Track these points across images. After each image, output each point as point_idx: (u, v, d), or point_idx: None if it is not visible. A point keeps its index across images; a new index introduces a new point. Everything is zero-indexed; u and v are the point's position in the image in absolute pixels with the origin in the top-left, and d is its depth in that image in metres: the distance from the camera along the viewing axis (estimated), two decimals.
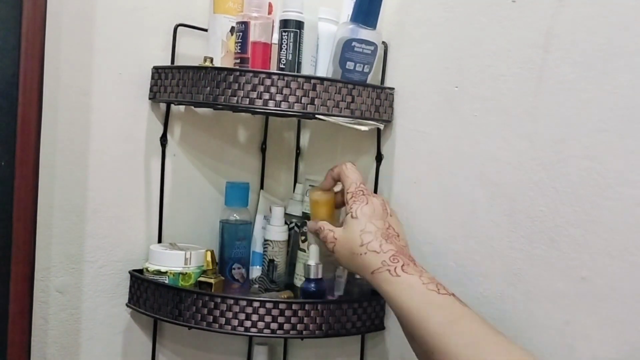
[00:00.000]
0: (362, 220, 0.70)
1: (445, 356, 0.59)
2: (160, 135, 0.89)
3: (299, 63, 0.80)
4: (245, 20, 0.79)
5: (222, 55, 0.83)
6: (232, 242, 0.90)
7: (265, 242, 0.90)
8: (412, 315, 0.63)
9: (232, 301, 0.76)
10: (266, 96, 0.74)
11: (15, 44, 0.66)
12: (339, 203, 0.79)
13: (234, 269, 0.90)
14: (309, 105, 0.75)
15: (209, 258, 0.84)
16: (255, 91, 0.74)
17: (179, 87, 0.78)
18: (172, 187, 0.91)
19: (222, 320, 0.77)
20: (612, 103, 0.62)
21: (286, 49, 0.79)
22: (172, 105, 0.89)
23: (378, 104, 0.82)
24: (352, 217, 0.71)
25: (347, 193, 0.73)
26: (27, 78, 0.67)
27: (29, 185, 0.68)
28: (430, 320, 0.61)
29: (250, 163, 1.01)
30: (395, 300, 0.65)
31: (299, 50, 0.79)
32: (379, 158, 0.88)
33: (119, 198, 0.86)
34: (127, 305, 0.87)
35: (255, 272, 0.93)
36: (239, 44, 0.79)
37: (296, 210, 0.94)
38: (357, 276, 0.88)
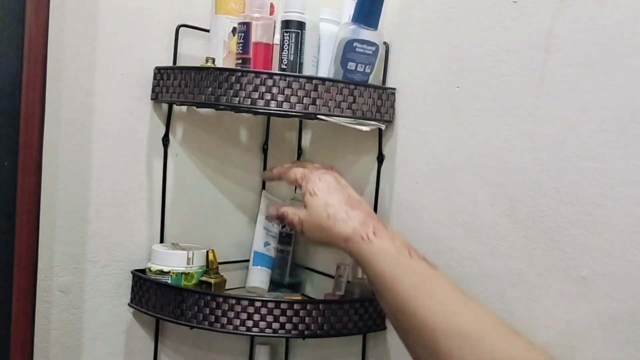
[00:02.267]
0: (322, 195, 0.71)
1: (414, 317, 0.61)
2: (162, 135, 0.89)
3: (301, 63, 0.80)
4: (247, 20, 0.79)
5: (224, 55, 0.83)
6: None
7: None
8: (385, 279, 0.64)
9: (234, 301, 0.77)
10: (268, 96, 0.74)
11: (18, 44, 0.66)
12: None
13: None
14: (310, 106, 0.75)
15: (211, 258, 0.84)
16: (257, 91, 0.74)
17: (181, 88, 0.79)
18: (174, 187, 0.91)
19: (224, 320, 0.77)
20: (613, 103, 0.62)
21: (288, 50, 0.79)
22: (174, 106, 0.90)
23: (379, 104, 0.82)
24: (310, 195, 0.72)
25: (296, 180, 0.74)
26: (30, 78, 0.67)
27: (31, 185, 0.69)
28: (402, 283, 0.63)
29: (252, 163, 1.01)
30: (370, 265, 0.66)
31: (300, 50, 0.80)
32: (380, 158, 0.88)
33: (121, 198, 0.86)
34: (129, 304, 0.87)
35: (256, 272, 0.93)
36: (241, 45, 0.80)
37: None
38: (360, 276, 0.88)
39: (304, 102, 0.75)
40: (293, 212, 0.73)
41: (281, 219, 0.76)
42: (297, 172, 0.75)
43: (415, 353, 0.62)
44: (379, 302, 0.67)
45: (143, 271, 0.86)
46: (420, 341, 0.61)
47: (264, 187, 1.02)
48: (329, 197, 0.71)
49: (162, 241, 0.90)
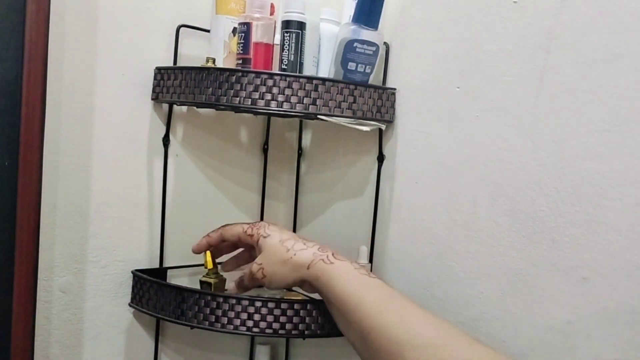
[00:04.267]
0: (275, 234, 0.75)
1: (379, 334, 0.63)
2: (162, 135, 0.89)
3: (301, 64, 0.80)
4: (247, 21, 0.79)
5: (224, 55, 0.83)
6: None
7: None
8: (349, 298, 0.67)
9: (234, 300, 0.77)
10: (268, 97, 0.74)
11: (19, 45, 0.66)
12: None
13: None
14: (310, 106, 0.75)
15: (208, 258, 0.84)
16: (257, 92, 0.74)
17: (181, 88, 0.79)
18: (175, 187, 0.91)
19: (225, 320, 0.77)
20: (613, 103, 0.62)
21: (288, 50, 0.79)
22: (175, 106, 0.90)
23: (380, 104, 0.82)
24: (263, 237, 0.76)
25: (244, 232, 0.78)
26: (31, 78, 0.67)
27: (32, 185, 0.69)
28: (366, 300, 0.65)
29: (252, 163, 1.01)
30: (333, 287, 0.68)
31: (300, 51, 0.80)
32: (380, 158, 0.88)
33: (121, 198, 0.86)
34: (129, 304, 0.87)
35: None
36: (241, 45, 0.80)
37: None
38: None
39: (304, 102, 0.75)
40: (252, 267, 0.76)
41: (247, 285, 0.79)
42: (240, 226, 0.79)
43: None
44: (342, 330, 0.70)
45: (143, 271, 0.86)
46: (388, 358, 0.63)
47: (264, 187, 1.02)
48: (282, 235, 0.75)
49: (162, 241, 0.90)
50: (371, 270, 0.82)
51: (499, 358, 0.59)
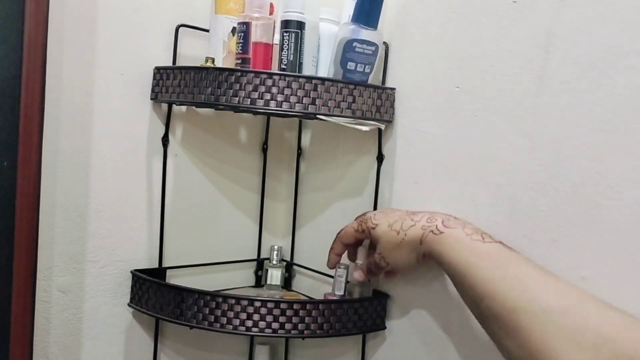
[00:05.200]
0: (382, 222, 0.76)
1: (493, 301, 0.61)
2: (162, 135, 0.89)
3: (300, 63, 0.80)
4: (246, 20, 0.79)
5: (223, 55, 0.83)
6: None
7: None
8: (460, 267, 0.65)
9: (233, 301, 0.77)
10: (267, 96, 0.74)
11: (18, 44, 0.66)
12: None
13: None
14: (310, 106, 0.75)
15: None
16: (256, 91, 0.74)
17: (180, 88, 0.78)
18: (174, 187, 0.91)
19: (224, 320, 0.77)
20: (612, 103, 0.62)
21: (287, 50, 0.79)
22: (174, 106, 0.90)
23: (379, 104, 0.82)
24: (373, 229, 0.77)
25: (356, 230, 0.80)
26: (30, 78, 0.67)
27: (31, 185, 0.68)
28: (477, 268, 0.63)
29: (252, 163, 1.01)
30: (444, 257, 0.67)
31: (300, 50, 0.80)
32: (380, 158, 0.88)
33: (120, 198, 0.86)
34: (128, 304, 0.87)
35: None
36: (241, 45, 0.80)
37: None
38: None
39: (304, 102, 0.75)
40: (375, 258, 0.78)
41: (376, 272, 0.81)
42: (350, 227, 0.81)
43: (498, 338, 0.62)
44: (462, 298, 0.68)
45: (143, 271, 0.86)
46: (502, 325, 0.60)
47: (263, 187, 1.02)
48: (389, 219, 0.76)
49: (161, 241, 0.90)
50: None
51: (632, 327, 0.54)
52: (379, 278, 0.86)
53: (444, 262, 0.68)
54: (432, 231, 0.70)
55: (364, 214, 0.81)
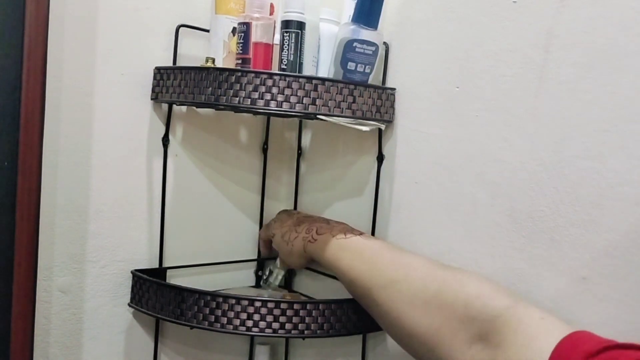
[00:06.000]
0: (277, 232, 0.89)
1: (355, 284, 0.74)
2: (162, 135, 0.89)
3: (301, 64, 0.80)
4: (246, 20, 0.79)
5: (223, 55, 0.83)
6: None
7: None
8: (331, 263, 0.77)
9: (233, 301, 0.77)
10: (268, 96, 0.74)
11: (18, 45, 0.66)
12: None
13: None
14: (310, 106, 0.75)
15: None
16: (256, 92, 0.74)
17: (180, 88, 0.79)
18: (174, 187, 0.91)
19: (224, 320, 0.77)
20: (612, 103, 0.62)
21: (288, 50, 0.79)
22: (174, 106, 0.90)
23: (379, 104, 0.82)
24: (272, 238, 0.91)
25: (266, 237, 0.95)
26: (30, 78, 0.67)
27: (31, 185, 0.68)
28: (342, 259, 0.76)
29: (252, 163, 1.01)
30: (322, 259, 0.79)
31: (300, 50, 0.80)
32: (380, 158, 0.88)
33: (121, 198, 0.86)
34: (129, 305, 0.87)
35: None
36: (241, 45, 0.80)
37: None
38: None
39: (304, 102, 0.75)
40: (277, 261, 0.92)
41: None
42: (263, 232, 0.96)
43: (379, 324, 0.74)
44: (350, 294, 0.78)
45: (143, 271, 0.86)
46: (369, 305, 0.72)
47: (263, 187, 1.02)
48: (282, 229, 0.88)
49: (161, 241, 0.90)
50: None
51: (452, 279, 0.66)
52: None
53: (322, 264, 0.79)
54: (309, 240, 0.81)
55: (267, 223, 0.94)
